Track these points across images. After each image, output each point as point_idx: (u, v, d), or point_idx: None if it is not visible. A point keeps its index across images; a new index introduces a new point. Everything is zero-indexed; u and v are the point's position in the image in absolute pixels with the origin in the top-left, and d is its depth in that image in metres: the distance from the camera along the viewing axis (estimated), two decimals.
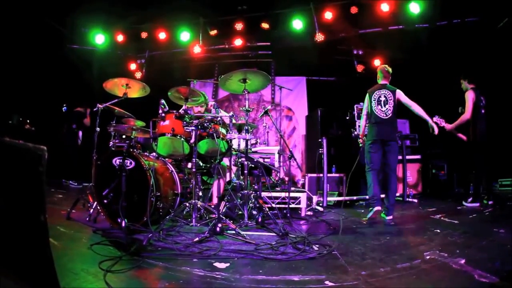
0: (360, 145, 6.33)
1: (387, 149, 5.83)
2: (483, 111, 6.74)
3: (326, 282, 2.56)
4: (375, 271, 2.84)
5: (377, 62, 10.88)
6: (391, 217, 5.57)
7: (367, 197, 7.33)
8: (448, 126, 6.74)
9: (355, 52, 11.11)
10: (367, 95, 6.08)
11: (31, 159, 1.72)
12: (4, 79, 8.98)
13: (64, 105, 9.61)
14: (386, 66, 6.20)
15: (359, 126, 7.91)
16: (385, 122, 5.85)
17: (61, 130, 9.95)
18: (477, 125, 6.69)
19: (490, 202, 6.57)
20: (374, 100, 5.95)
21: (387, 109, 5.87)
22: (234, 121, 5.15)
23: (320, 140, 7.61)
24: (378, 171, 5.89)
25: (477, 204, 6.62)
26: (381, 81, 6.15)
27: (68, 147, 9.80)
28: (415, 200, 7.75)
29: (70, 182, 9.54)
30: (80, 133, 10.03)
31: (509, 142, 8.63)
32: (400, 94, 5.95)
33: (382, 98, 5.92)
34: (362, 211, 6.66)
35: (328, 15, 9.69)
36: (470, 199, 6.73)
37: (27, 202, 1.70)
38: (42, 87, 9.95)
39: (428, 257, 3.18)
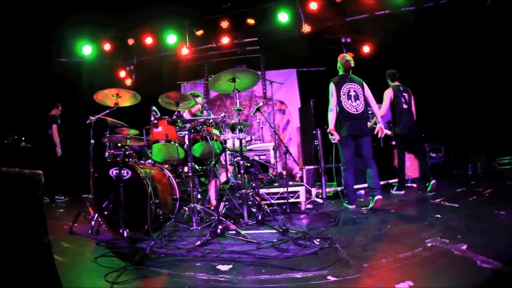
0: (333, 141, 5.94)
1: (360, 143, 5.82)
2: (405, 106, 7.01)
3: (329, 277, 2.58)
4: (377, 263, 2.86)
5: (366, 49, 10.91)
6: (380, 196, 5.52)
7: (366, 185, 7.42)
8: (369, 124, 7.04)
9: (343, 40, 11.06)
10: (333, 86, 5.91)
11: (29, 185, 1.74)
12: None
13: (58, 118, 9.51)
14: (347, 57, 6.13)
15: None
16: (356, 117, 5.80)
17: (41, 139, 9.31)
18: (399, 119, 7.00)
19: (433, 181, 6.67)
20: (343, 94, 5.84)
21: (357, 104, 5.83)
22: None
23: (314, 131, 7.61)
24: (355, 169, 5.89)
25: (402, 192, 6.97)
26: (343, 72, 6.08)
27: (47, 156, 9.03)
28: (414, 185, 7.79)
29: (56, 196, 8.96)
30: (57, 139, 9.25)
31: (506, 122, 8.67)
32: (366, 88, 6.02)
33: (352, 93, 5.86)
34: (362, 199, 6.69)
35: (313, 5, 9.67)
36: (395, 188, 7.18)
37: (29, 228, 1.73)
38: (35, 104, 9.87)
39: (429, 244, 3.19)
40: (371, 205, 5.54)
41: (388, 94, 7.02)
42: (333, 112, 5.85)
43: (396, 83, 7.13)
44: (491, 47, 8.65)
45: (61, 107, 9.51)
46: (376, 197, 5.49)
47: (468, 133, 9.46)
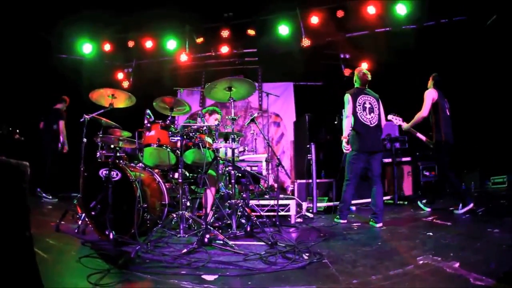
0: (345, 150, 5.80)
1: (371, 159, 5.66)
2: (448, 112, 6.34)
3: None
4: (366, 279, 2.81)
5: (364, 65, 10.93)
6: (381, 224, 5.35)
7: (357, 201, 7.36)
8: (405, 125, 6.41)
9: (342, 56, 11.09)
10: (349, 96, 5.74)
11: (15, 176, 1.70)
12: None
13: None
14: (365, 70, 5.98)
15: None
16: (370, 130, 5.68)
17: (38, 128, 9.04)
18: (444, 125, 6.19)
19: (428, 210, 6.40)
20: (359, 105, 5.71)
21: (372, 117, 5.72)
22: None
23: (308, 146, 7.57)
24: (356, 184, 5.78)
25: (471, 205, 5.82)
26: (359, 85, 5.96)
27: (47, 151, 8.79)
28: (406, 203, 7.75)
29: (44, 195, 8.50)
30: (64, 136, 8.95)
31: (499, 140, 8.69)
32: (381, 103, 5.92)
33: (368, 105, 5.75)
34: (353, 216, 6.63)
35: (314, 19, 9.69)
36: (460, 206, 5.92)
37: (11, 219, 1.67)
38: (32, 97, 9.77)
39: (421, 262, 3.16)
40: (370, 224, 5.48)
41: (430, 94, 6.25)
42: (349, 118, 5.71)
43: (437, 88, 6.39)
44: (488, 66, 8.68)
45: (69, 102, 9.30)
46: (377, 225, 5.35)
47: (461, 151, 9.47)
